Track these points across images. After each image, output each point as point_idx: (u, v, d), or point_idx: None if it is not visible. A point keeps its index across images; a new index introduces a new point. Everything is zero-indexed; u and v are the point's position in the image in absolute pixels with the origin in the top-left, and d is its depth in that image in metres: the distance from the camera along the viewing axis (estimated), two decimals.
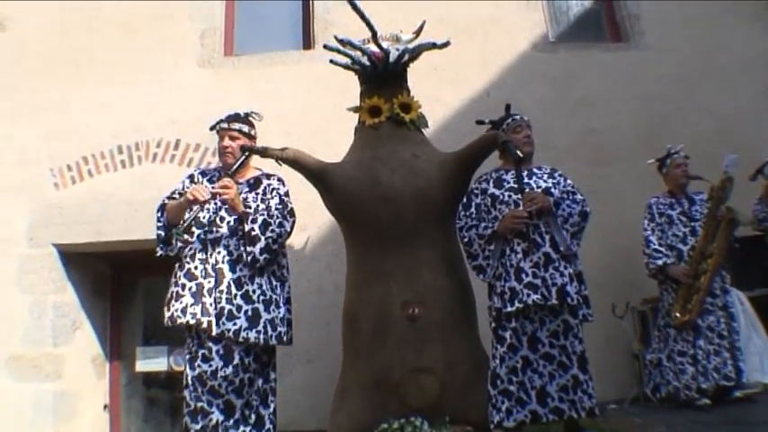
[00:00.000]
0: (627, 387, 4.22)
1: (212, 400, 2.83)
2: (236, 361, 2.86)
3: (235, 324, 2.85)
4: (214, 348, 2.86)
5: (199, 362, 2.86)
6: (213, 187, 2.93)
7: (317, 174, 3.17)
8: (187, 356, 2.93)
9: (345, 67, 3.41)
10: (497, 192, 3.14)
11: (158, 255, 3.06)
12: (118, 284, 5.29)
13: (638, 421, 3.55)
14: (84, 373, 4.81)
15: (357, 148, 3.38)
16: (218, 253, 2.95)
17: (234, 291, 2.90)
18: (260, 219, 2.96)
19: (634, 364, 4.26)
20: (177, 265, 3.03)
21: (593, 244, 4.63)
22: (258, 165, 3.34)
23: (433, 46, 3.26)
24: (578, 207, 3.07)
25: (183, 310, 2.86)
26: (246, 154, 3.03)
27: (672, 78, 5.07)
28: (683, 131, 4.76)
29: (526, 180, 3.12)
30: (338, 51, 3.29)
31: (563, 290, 2.87)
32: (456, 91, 4.94)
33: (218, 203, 3.01)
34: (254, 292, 2.93)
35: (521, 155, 2.80)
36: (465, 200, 3.23)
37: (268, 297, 2.97)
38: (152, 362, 5.00)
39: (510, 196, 3.07)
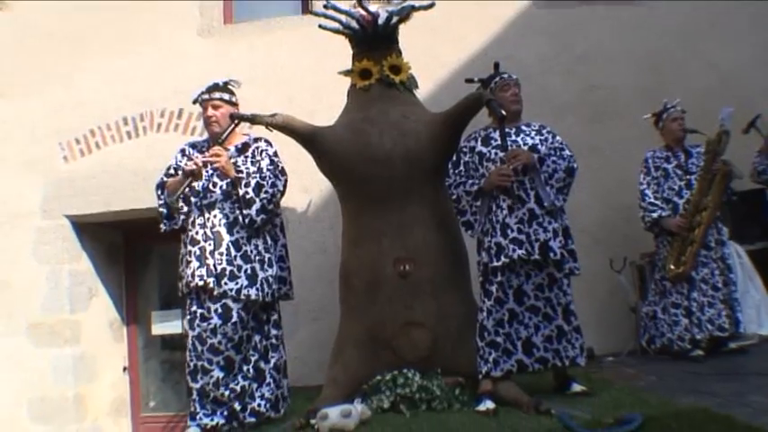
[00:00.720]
0: (625, 341, 4.29)
1: (212, 357, 2.97)
2: (235, 318, 2.99)
3: (237, 283, 2.99)
4: (213, 307, 2.99)
5: (198, 321, 3.00)
6: (204, 156, 3.04)
7: (307, 138, 3.25)
8: (188, 318, 3.07)
9: (335, 31, 3.45)
10: (484, 149, 3.19)
11: (162, 230, 3.21)
12: (131, 252, 5.47)
13: (631, 372, 3.63)
14: (101, 338, 5.03)
15: (348, 110, 3.45)
16: (215, 216, 3.07)
17: (234, 252, 3.03)
18: (253, 182, 3.06)
19: (631, 317, 4.32)
20: (183, 235, 3.18)
21: (593, 200, 4.68)
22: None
23: (415, 8, 3.29)
24: (564, 163, 3.09)
25: (192, 275, 3.01)
26: (235, 122, 3.11)
27: (674, 33, 4.98)
28: (686, 86, 4.70)
29: (513, 137, 3.16)
30: (325, 17, 3.33)
31: (546, 245, 2.93)
32: (455, 50, 4.93)
33: (210, 170, 3.11)
34: (251, 252, 3.06)
35: (504, 113, 2.83)
36: (455, 158, 3.29)
37: (262, 256, 3.09)
38: (167, 325, 5.18)
39: (496, 154, 3.12)
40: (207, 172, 3.10)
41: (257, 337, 3.11)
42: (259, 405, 3.03)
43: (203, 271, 2.99)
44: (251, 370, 3.05)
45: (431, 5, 3.28)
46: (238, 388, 2.99)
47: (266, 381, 3.10)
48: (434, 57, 4.82)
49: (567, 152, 3.19)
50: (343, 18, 3.38)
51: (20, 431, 4.60)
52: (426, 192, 3.22)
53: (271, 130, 3.18)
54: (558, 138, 3.26)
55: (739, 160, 4.02)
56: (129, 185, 4.85)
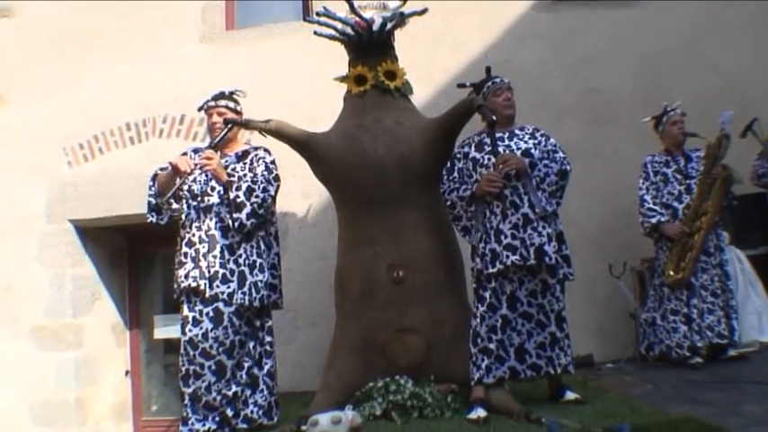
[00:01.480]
0: (625, 347, 4.25)
1: (204, 362, 2.98)
2: (226, 323, 3.00)
3: (229, 287, 3.01)
4: (204, 311, 3.01)
5: (190, 326, 3.02)
6: (198, 158, 3.07)
7: (301, 143, 3.27)
8: (180, 322, 3.09)
9: (331, 38, 3.48)
10: (478, 155, 3.18)
11: (149, 221, 3.25)
12: (134, 256, 5.51)
13: (628, 379, 3.60)
14: (104, 342, 5.07)
15: (343, 116, 3.47)
16: (210, 220, 3.10)
17: (227, 256, 3.05)
18: (244, 186, 3.08)
19: (631, 323, 4.28)
20: (179, 238, 3.20)
21: (594, 204, 4.65)
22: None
23: (406, 15, 3.30)
24: (557, 166, 3.07)
25: (186, 276, 3.04)
26: (230, 126, 3.14)
27: (674, 35, 4.93)
28: (687, 89, 4.65)
29: (507, 142, 3.15)
30: (319, 24, 3.35)
31: (541, 249, 2.91)
32: (455, 55, 4.92)
33: (209, 175, 3.13)
34: (240, 256, 3.08)
35: (494, 118, 2.82)
36: (449, 164, 3.28)
37: (252, 261, 3.10)
38: (169, 329, 5.19)
39: (489, 159, 3.10)
40: (206, 175, 3.13)
41: (251, 344, 3.11)
42: (252, 412, 3.04)
43: (196, 273, 3.02)
44: (244, 376, 3.06)
45: (424, 11, 3.29)
46: (231, 394, 3.00)
47: (260, 387, 3.11)
48: (435, 62, 4.83)
49: (560, 154, 3.17)
50: (338, 25, 3.40)
51: None
52: (421, 198, 3.23)
53: (265, 136, 3.20)
54: (551, 140, 3.24)
55: (738, 164, 3.98)
56: (131, 190, 4.87)
